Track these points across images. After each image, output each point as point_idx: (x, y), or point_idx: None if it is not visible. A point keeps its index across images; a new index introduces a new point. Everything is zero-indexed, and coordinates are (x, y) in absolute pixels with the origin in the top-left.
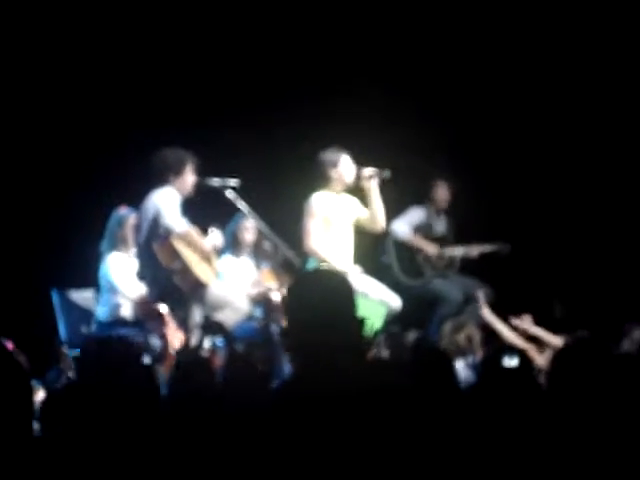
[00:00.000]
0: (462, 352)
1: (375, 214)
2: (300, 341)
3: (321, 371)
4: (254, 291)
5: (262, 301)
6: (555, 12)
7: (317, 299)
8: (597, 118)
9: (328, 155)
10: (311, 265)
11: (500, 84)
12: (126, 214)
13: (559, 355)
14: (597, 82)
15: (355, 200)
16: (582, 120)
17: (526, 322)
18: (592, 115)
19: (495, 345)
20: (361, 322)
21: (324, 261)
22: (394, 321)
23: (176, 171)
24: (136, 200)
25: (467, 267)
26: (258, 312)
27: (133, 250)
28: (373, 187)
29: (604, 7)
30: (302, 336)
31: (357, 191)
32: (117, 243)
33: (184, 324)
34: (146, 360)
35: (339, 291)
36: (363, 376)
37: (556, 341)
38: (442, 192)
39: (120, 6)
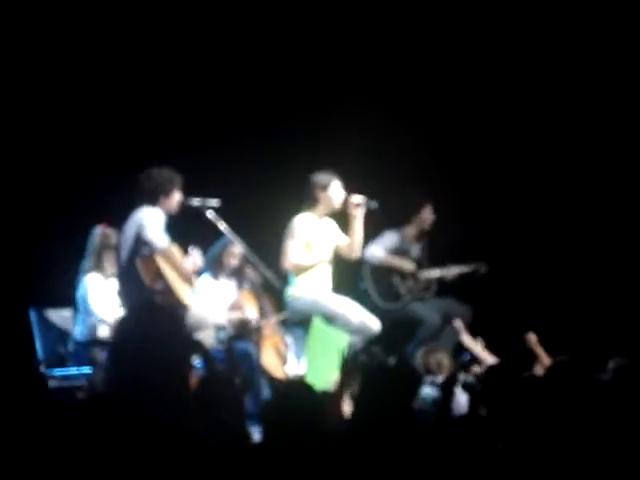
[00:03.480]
0: (431, 372)
1: (354, 242)
2: (123, 367)
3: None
4: (234, 315)
5: (240, 325)
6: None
7: (139, 332)
8: (572, 149)
9: (319, 177)
10: (292, 284)
11: (484, 109)
12: (108, 232)
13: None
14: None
15: (335, 225)
16: (557, 147)
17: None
18: (568, 145)
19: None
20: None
21: (306, 270)
22: (374, 342)
23: (166, 190)
24: (117, 219)
25: (445, 288)
26: (222, 334)
27: (113, 271)
28: (358, 215)
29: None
30: (125, 364)
31: (335, 216)
32: (97, 263)
33: None
34: None
35: (159, 327)
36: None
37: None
38: (427, 214)
39: (106, 34)
